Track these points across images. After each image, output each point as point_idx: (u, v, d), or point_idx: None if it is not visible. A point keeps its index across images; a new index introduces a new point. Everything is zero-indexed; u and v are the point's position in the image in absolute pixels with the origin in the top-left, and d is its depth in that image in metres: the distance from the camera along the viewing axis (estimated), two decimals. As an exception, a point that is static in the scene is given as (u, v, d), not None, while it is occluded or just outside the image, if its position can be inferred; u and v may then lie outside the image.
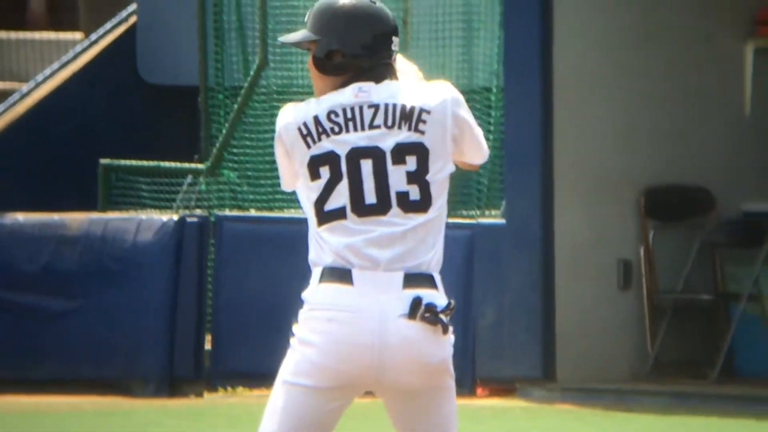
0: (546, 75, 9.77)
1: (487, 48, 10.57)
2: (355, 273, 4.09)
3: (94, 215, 10.37)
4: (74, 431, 8.90)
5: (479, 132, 4.22)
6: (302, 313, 4.14)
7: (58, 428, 8.99)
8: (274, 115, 12.49)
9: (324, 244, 4.13)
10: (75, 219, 10.14)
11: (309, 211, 4.17)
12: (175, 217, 10.14)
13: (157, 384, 9.87)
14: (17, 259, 10.00)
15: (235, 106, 11.16)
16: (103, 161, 11.27)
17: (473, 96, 10.62)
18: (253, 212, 10.73)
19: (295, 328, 4.15)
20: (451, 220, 10.29)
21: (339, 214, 4.12)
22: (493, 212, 10.13)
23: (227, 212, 10.65)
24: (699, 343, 10.01)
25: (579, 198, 9.80)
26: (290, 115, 4.18)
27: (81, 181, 11.39)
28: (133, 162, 11.26)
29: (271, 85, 11.13)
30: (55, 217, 10.13)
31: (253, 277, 10.09)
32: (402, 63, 4.23)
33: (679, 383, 9.71)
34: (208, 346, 10.07)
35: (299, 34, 4.22)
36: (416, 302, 4.08)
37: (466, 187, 10.47)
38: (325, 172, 4.12)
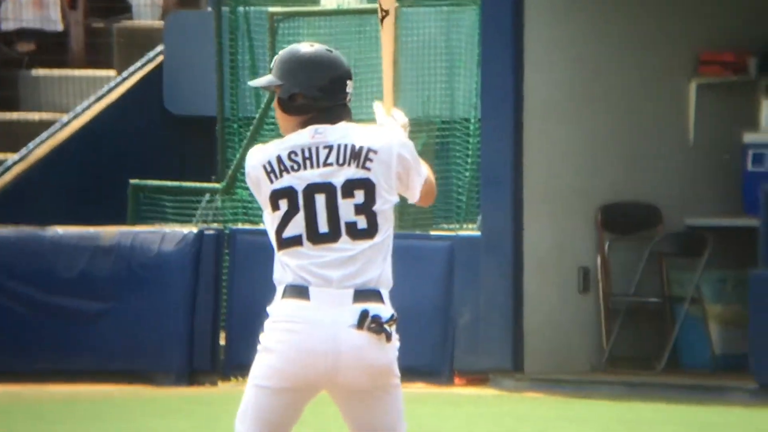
0: (517, 107, 9.82)
1: (466, 84, 10.61)
2: (311, 290, 4.19)
3: (124, 228, 10.38)
4: (106, 416, 8.90)
5: (422, 174, 4.27)
6: (267, 324, 4.25)
7: (92, 413, 8.99)
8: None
9: (285, 266, 4.25)
10: (108, 231, 10.16)
11: (272, 238, 4.29)
12: (195, 230, 10.16)
13: (178, 375, 9.87)
14: (57, 266, 10.01)
15: (248, 133, 11.19)
16: (133, 181, 11.28)
17: (454, 125, 10.65)
18: (262, 226, 10.72)
19: (261, 336, 4.26)
20: (433, 233, 10.36)
21: (296, 241, 4.22)
22: (470, 226, 10.16)
23: (240, 226, 10.66)
24: (648, 339, 10.02)
25: (545, 213, 9.82)
26: (257, 156, 4.25)
27: (113, 199, 11.40)
28: (159, 182, 11.28)
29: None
30: (91, 229, 10.14)
31: (261, 282, 10.08)
32: (390, 117, 4.27)
33: (631, 374, 9.70)
34: (222, 342, 10.07)
35: (265, 79, 4.30)
36: (363, 315, 4.18)
37: (447, 204, 10.48)
38: (283, 204, 4.21)
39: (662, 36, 10.12)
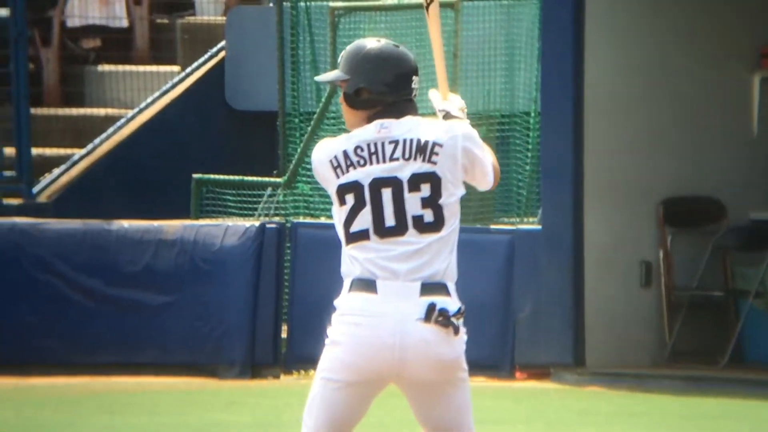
0: (577, 100, 9.68)
1: (526, 78, 10.48)
2: (378, 283, 4.18)
3: (188, 222, 10.35)
4: (169, 408, 8.88)
5: (488, 162, 4.25)
6: (334, 318, 4.23)
7: (156, 405, 8.97)
8: (343, 136, 12.23)
9: (352, 260, 4.21)
10: (171, 225, 10.13)
11: (339, 232, 4.26)
12: (257, 224, 10.11)
13: (241, 367, 9.83)
14: (122, 260, 10.01)
15: (309, 128, 11.13)
16: (196, 176, 11.26)
17: (514, 119, 10.52)
18: (323, 219, 10.68)
19: (328, 330, 4.24)
20: (493, 227, 10.24)
21: (363, 235, 4.20)
22: (531, 219, 10.03)
23: (301, 219, 10.60)
24: (711, 334, 9.85)
25: (606, 207, 9.68)
26: (323, 151, 4.26)
27: (176, 193, 11.39)
28: (221, 176, 11.25)
29: (339, 111, 11.07)
30: (155, 223, 10.12)
31: (323, 275, 10.04)
32: (446, 102, 4.26)
33: (694, 369, 9.55)
34: (284, 335, 10.02)
35: (332, 74, 4.31)
36: (431, 308, 4.16)
37: (507, 198, 10.37)
38: (350, 198, 4.21)
39: (725, 28, 9.94)
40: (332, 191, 4.24)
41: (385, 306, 4.15)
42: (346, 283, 4.22)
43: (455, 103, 4.30)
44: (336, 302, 4.21)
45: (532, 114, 10.38)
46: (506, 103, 10.58)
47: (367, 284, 4.17)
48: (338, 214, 4.24)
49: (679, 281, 9.81)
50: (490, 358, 9.39)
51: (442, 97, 4.30)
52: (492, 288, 9.57)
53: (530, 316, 9.53)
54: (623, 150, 9.79)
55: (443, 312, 4.16)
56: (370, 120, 4.21)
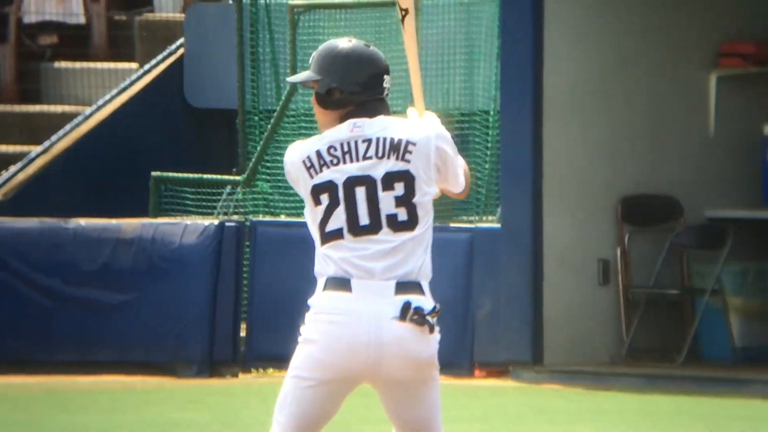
0: (537, 99, 9.72)
1: (486, 76, 10.51)
2: (353, 282, 4.15)
3: (146, 221, 10.31)
4: (127, 406, 8.85)
5: (460, 165, 4.27)
6: (308, 316, 4.20)
7: (113, 404, 8.94)
8: (303, 135, 12.46)
9: (327, 259, 4.19)
10: (130, 224, 10.10)
11: (314, 232, 4.24)
12: (216, 222, 10.09)
13: (199, 366, 9.82)
14: (80, 258, 9.96)
15: (269, 126, 11.12)
16: (154, 174, 11.22)
17: (474, 117, 10.55)
18: (283, 218, 10.67)
19: (302, 328, 4.21)
20: (453, 225, 10.28)
21: (337, 234, 4.18)
22: (490, 218, 10.07)
23: (261, 218, 10.59)
24: (668, 331, 9.92)
25: (565, 205, 9.73)
26: (296, 152, 4.24)
27: (134, 191, 11.35)
28: (180, 174, 11.21)
29: (300, 109, 11.08)
30: (113, 222, 10.09)
31: (282, 274, 10.03)
32: (424, 118, 4.25)
33: (651, 366, 9.62)
34: (243, 333, 10.01)
35: (304, 74, 4.29)
36: (406, 306, 4.16)
37: (467, 197, 10.38)
38: (324, 198, 4.19)
39: (682, 27, 10.01)
40: (305, 192, 4.22)
41: (360, 304, 4.14)
42: (320, 282, 4.20)
43: (431, 120, 4.29)
44: (310, 301, 4.20)
45: (492, 113, 10.41)
46: (466, 101, 10.61)
47: (341, 283, 4.15)
48: (312, 215, 4.23)
49: (637, 279, 9.87)
50: (449, 355, 9.41)
51: (419, 114, 4.29)
52: (451, 286, 9.60)
53: (489, 314, 9.56)
54: (582, 148, 9.83)
55: (418, 310, 4.16)
56: (342, 120, 4.20)
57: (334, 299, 4.16)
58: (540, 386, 9.33)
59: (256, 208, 10.94)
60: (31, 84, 12.80)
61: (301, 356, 4.17)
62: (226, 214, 10.81)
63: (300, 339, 4.19)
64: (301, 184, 4.22)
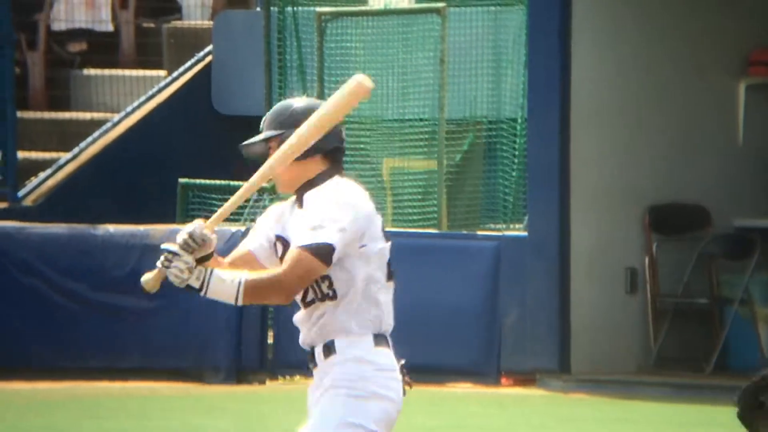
0: (564, 107, 9.67)
1: (513, 84, 10.46)
2: (389, 338, 4.25)
3: (174, 226, 10.31)
4: (155, 412, 8.84)
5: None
6: (376, 372, 4.20)
7: (141, 410, 8.93)
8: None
9: (377, 305, 4.20)
10: (157, 230, 10.09)
11: (374, 271, 4.19)
12: (243, 228, 10.08)
13: (227, 373, 9.79)
14: (108, 264, 9.96)
15: (295, 133, 11.08)
16: (182, 180, 11.22)
17: (501, 125, 10.52)
18: (309, 225, 10.62)
19: (369, 383, 4.19)
20: (480, 233, 10.22)
21: (391, 275, 4.26)
22: (517, 226, 10.02)
23: (287, 224, 10.54)
24: (696, 341, 9.85)
25: (592, 213, 9.67)
26: (366, 202, 4.22)
27: (162, 197, 11.35)
28: (207, 181, 11.21)
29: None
30: (141, 228, 10.08)
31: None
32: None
33: (679, 375, 9.55)
34: (270, 340, 9.99)
35: (262, 135, 4.32)
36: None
37: (494, 204, 10.35)
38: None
39: (712, 35, 9.94)
40: (377, 227, 4.20)
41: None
42: (369, 336, 4.20)
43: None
44: (366, 355, 4.17)
45: (519, 120, 10.36)
46: (493, 109, 10.56)
47: (385, 339, 4.21)
48: (379, 252, 4.18)
49: (665, 288, 9.80)
50: (477, 364, 9.36)
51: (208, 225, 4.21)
52: (478, 294, 9.55)
53: (516, 323, 9.51)
54: (609, 157, 9.77)
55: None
56: (330, 167, 4.19)
57: (391, 357, 4.21)
58: (567, 395, 9.27)
59: (283, 215, 10.90)
60: (60, 91, 12.84)
61: (379, 413, 4.18)
62: (252, 220, 10.81)
63: (369, 392, 4.17)
64: (375, 221, 4.19)
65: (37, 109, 12.72)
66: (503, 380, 9.49)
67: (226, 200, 11.52)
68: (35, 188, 11.60)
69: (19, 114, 11.89)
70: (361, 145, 10.64)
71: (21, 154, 11.66)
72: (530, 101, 9.82)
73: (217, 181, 11.19)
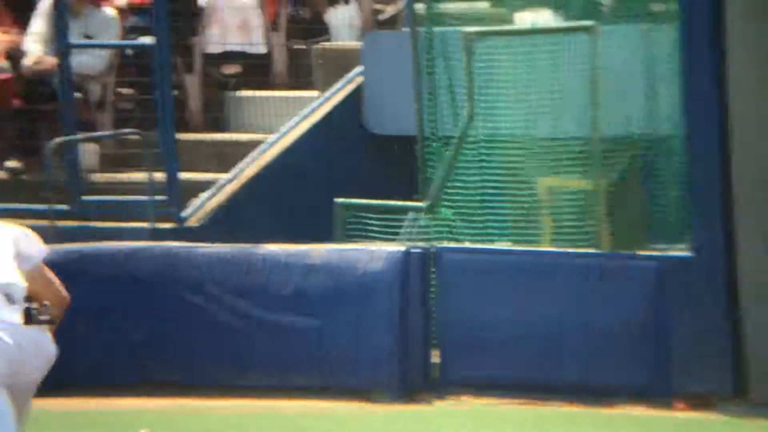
0: (723, 121, 9.56)
1: (668, 101, 10.41)
2: None
3: (333, 246, 10.44)
4: (326, 431, 8.92)
5: None
6: None
7: (313, 428, 9.03)
8: (482, 161, 12.27)
9: None
10: (317, 249, 10.22)
11: None
12: (402, 249, 10.17)
13: (394, 393, 9.87)
14: (272, 283, 10.11)
15: (447, 152, 11.16)
16: (339, 200, 11.35)
17: (658, 143, 10.47)
18: (467, 244, 10.71)
19: None
20: (641, 252, 10.12)
21: None
22: (679, 245, 9.94)
23: (445, 244, 10.65)
24: None
25: (760, 231, 9.55)
26: None
27: (319, 217, 11.49)
28: (364, 201, 11.32)
29: (478, 135, 11.11)
30: (302, 247, 10.22)
31: (470, 299, 10.06)
32: None
33: None
34: (435, 359, 10.05)
35: None
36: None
37: (655, 224, 10.30)
38: None
39: None
40: None
41: None
42: None
43: None
44: None
45: (676, 138, 10.31)
46: (649, 127, 10.52)
47: None
48: None
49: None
50: (646, 387, 9.30)
51: None
52: (641, 315, 9.50)
53: (686, 344, 9.42)
54: (774, 173, 9.64)
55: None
56: None
57: None
58: (744, 419, 9.14)
59: (440, 234, 10.99)
60: (217, 112, 13.05)
61: None
62: (410, 240, 10.89)
63: None
64: None
65: (195, 130, 12.95)
66: (678, 404, 9.40)
67: (382, 220, 11.51)
68: (198, 209, 11.80)
69: (179, 136, 12.11)
70: (515, 164, 10.68)
71: (182, 175, 11.88)
72: (687, 117, 9.74)
73: (374, 201, 11.29)
